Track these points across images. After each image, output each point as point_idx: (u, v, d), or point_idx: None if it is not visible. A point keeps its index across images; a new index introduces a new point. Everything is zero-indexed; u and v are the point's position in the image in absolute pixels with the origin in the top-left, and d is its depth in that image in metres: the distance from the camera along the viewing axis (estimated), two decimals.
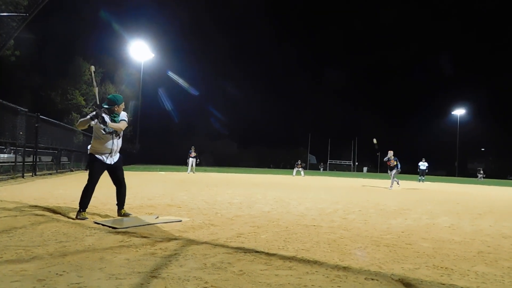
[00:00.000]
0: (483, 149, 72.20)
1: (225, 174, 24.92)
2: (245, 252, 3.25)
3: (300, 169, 27.67)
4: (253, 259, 3.05)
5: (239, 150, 64.22)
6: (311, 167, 67.17)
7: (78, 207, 4.78)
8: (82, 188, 4.82)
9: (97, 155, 4.81)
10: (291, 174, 28.18)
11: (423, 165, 25.91)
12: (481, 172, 42.11)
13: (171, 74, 47.06)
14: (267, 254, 3.24)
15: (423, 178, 25.57)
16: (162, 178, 15.77)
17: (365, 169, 71.47)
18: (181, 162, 39.56)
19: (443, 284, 2.59)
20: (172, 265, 2.77)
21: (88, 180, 4.78)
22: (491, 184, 27.57)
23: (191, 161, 22.68)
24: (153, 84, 43.85)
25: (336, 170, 64.99)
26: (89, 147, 4.95)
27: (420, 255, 3.47)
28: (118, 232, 3.94)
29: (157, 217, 4.97)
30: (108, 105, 4.95)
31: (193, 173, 22.49)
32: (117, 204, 5.06)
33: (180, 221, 4.83)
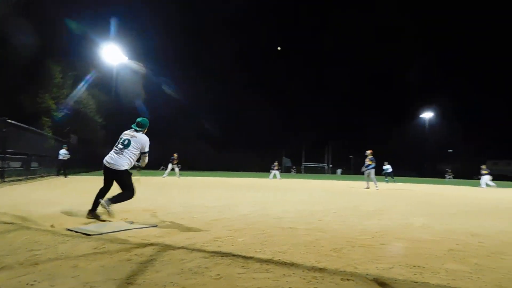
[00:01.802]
0: (450, 151, 74.83)
1: (202, 177, 24.76)
2: (222, 256, 3.24)
3: (276, 171, 27.71)
4: (231, 262, 3.05)
5: (216, 154, 63.79)
6: (286, 170, 67.68)
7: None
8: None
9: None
10: (268, 177, 28.20)
11: (386, 168, 26.98)
12: (449, 172, 43.64)
13: (144, 76, 46.30)
14: (245, 257, 3.24)
15: (388, 179, 26.47)
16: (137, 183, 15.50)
17: (339, 171, 72.57)
18: (157, 166, 39.01)
19: (416, 282, 2.67)
20: (148, 271, 2.74)
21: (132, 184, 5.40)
22: (459, 184, 28.51)
23: (171, 166, 22.52)
24: (128, 87, 43.02)
25: (311, 173, 65.73)
26: (126, 167, 5.30)
27: (394, 255, 3.57)
28: (92, 239, 3.86)
29: (132, 223, 4.90)
30: (139, 128, 5.48)
31: (178, 177, 22.24)
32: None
33: (156, 226, 4.77)
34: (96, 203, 5.24)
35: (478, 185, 23.81)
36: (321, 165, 73.95)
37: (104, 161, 5.27)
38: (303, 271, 2.88)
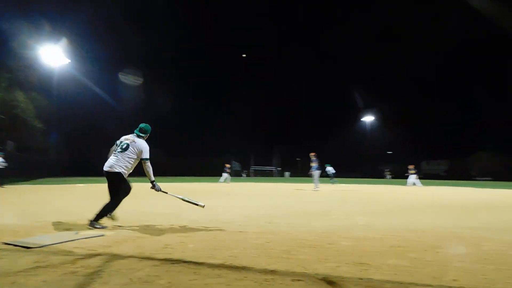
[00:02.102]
0: (390, 152, 79.39)
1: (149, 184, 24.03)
2: (172, 263, 3.19)
3: (227, 175, 27.70)
4: (181, 269, 3.01)
5: (166, 158, 62.14)
6: (235, 174, 67.78)
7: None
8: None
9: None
10: (218, 181, 28.05)
11: (328, 170, 28.13)
12: (388, 172, 46.34)
13: (87, 80, 43.98)
14: (196, 263, 3.22)
15: (332, 181, 27.60)
16: (82, 191, 14.76)
17: (286, 174, 74.00)
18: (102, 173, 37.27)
19: (361, 279, 2.81)
20: (95, 283, 2.63)
21: (121, 195, 5.34)
22: (397, 183, 30.21)
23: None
24: (70, 90, 40.59)
25: (260, 176, 66.40)
26: (121, 170, 5.25)
27: (341, 253, 3.71)
28: (33, 252, 3.62)
29: (77, 233, 4.66)
30: (141, 133, 5.52)
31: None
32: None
33: (103, 235, 4.58)
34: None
35: (408, 184, 25.62)
36: (269, 168, 74.90)
37: (104, 168, 5.26)
38: (254, 274, 2.91)
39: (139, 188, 16.62)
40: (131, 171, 5.43)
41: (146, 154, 5.38)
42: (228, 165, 28.49)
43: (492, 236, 4.90)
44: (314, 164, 17.51)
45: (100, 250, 3.69)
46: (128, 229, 5.07)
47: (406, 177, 26.70)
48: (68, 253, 3.58)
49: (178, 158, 64.12)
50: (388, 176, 45.94)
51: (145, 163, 5.40)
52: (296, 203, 9.82)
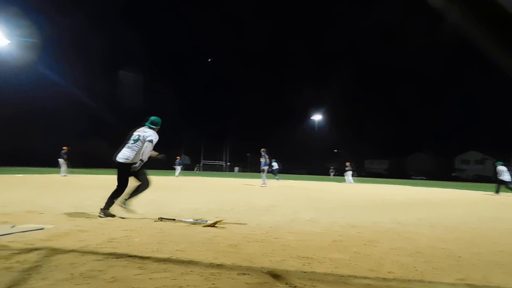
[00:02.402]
0: (335, 150, 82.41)
1: (96, 175, 23.02)
2: (117, 258, 3.12)
3: (179, 167, 27.32)
4: (126, 264, 2.95)
5: (111, 150, 59.49)
6: (185, 168, 66.80)
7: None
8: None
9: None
10: (165, 175, 27.52)
11: (273, 165, 28.77)
12: (332, 169, 48.28)
13: (36, 65, 40.72)
14: (141, 258, 3.17)
15: (278, 177, 28.26)
16: (20, 182, 13.80)
17: (236, 169, 74.27)
18: (45, 163, 35.02)
19: (305, 272, 2.92)
20: (32, 279, 2.51)
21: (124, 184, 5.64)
22: (342, 180, 31.42)
23: (61, 162, 20.57)
24: (10, 74, 37.33)
25: (210, 171, 66.05)
26: (132, 159, 5.59)
27: (286, 248, 3.82)
28: None
29: (14, 226, 4.38)
30: (152, 125, 5.91)
31: (60, 174, 20.30)
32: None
33: (42, 228, 4.34)
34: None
35: (346, 181, 27.24)
36: (219, 163, 74.67)
37: (116, 158, 5.66)
38: (201, 268, 2.93)
39: (83, 180, 15.81)
40: (143, 161, 5.68)
41: (150, 137, 5.68)
42: (179, 158, 28.08)
43: (424, 231, 5.28)
44: (262, 160, 17.75)
45: (38, 245, 3.51)
46: (71, 223, 4.85)
47: (351, 175, 28.00)
48: (3, 247, 3.37)
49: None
50: (332, 174, 47.90)
51: (147, 146, 5.64)
52: (244, 198, 9.91)
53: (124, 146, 5.74)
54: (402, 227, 5.63)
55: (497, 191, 17.50)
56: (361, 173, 74.94)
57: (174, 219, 5.23)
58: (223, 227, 4.94)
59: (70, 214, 5.65)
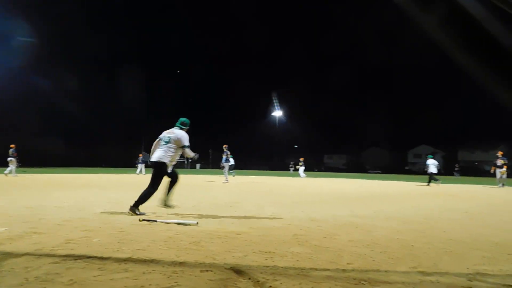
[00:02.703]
0: (296, 146, 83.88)
1: (52, 175, 21.95)
2: (75, 259, 3.01)
3: (142, 165, 26.91)
4: (85, 265, 2.86)
5: (67, 149, 56.53)
6: (146, 165, 65.27)
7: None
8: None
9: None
10: (127, 173, 26.90)
11: (231, 161, 29.03)
12: (291, 165, 49.29)
13: None
14: (101, 258, 3.08)
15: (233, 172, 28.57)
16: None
17: (198, 165, 73.59)
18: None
19: (267, 267, 2.97)
20: None
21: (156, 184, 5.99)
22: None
23: (11, 161, 19.13)
24: None
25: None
26: (166, 160, 6.00)
27: (248, 243, 3.86)
28: None
29: None
30: (182, 126, 6.37)
31: (9, 175, 18.87)
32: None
33: None
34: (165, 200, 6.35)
35: (302, 176, 28.13)
36: (181, 159, 73.74)
37: (151, 159, 6.11)
38: (163, 266, 2.89)
39: (38, 180, 15.08)
40: (174, 162, 6.18)
41: (186, 142, 6.13)
42: (141, 155, 27.59)
43: (381, 223, 5.51)
44: (224, 156, 17.81)
45: None
46: (24, 225, 4.59)
47: (311, 170, 28.75)
48: None
49: (82, 148, 59.31)
50: (292, 169, 48.88)
51: (184, 149, 6.11)
52: (206, 195, 9.86)
53: (157, 147, 6.17)
54: (360, 219, 5.84)
55: (428, 183, 19.06)
56: (321, 168, 76.78)
57: (156, 220, 5.09)
58: (184, 225, 4.89)
59: (24, 216, 5.35)
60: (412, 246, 3.92)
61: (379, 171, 68.41)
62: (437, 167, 19.31)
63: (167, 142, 6.07)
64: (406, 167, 77.58)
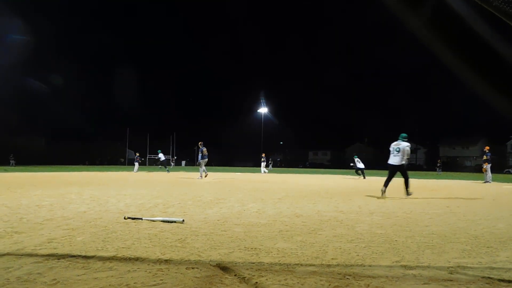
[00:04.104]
0: (281, 143, 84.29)
1: (32, 173, 21.50)
2: (58, 259, 2.96)
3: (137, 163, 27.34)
4: (68, 264, 2.82)
5: (48, 146, 55.40)
6: (130, 163, 64.85)
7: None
8: None
9: None
10: (110, 170, 26.81)
11: (161, 157, 29.19)
12: (271, 161, 50.20)
13: None
14: (85, 257, 3.04)
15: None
16: None
17: (183, 162, 73.25)
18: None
19: (253, 263, 2.98)
20: None
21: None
22: (287, 172, 32.21)
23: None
24: None
25: (156, 165, 64.54)
26: (402, 162, 9.26)
27: (234, 240, 3.86)
28: None
29: None
30: (405, 139, 9.35)
31: None
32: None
33: None
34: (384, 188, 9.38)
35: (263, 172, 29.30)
36: (166, 157, 73.21)
37: (389, 163, 9.48)
38: (148, 264, 2.88)
39: (17, 178, 14.82)
40: (406, 163, 9.27)
41: (408, 149, 9.20)
42: (138, 154, 28.39)
43: (364, 218, 5.59)
44: (200, 153, 18.00)
45: None
46: (4, 224, 4.49)
47: (296, 166, 29.14)
48: None
49: (63, 145, 58.22)
50: (270, 165, 49.93)
51: (409, 154, 9.27)
52: (191, 192, 9.81)
53: (392, 155, 9.37)
54: (344, 215, 5.91)
55: (363, 177, 22.43)
56: (305, 164, 77.27)
57: (141, 218, 5.02)
58: (170, 223, 4.86)
59: (3, 215, 5.23)
60: (395, 240, 3.99)
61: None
62: (361, 162, 22.80)
63: (398, 151, 9.15)
64: None
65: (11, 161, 42.83)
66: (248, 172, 31.47)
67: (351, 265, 2.97)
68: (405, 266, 2.96)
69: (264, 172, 28.65)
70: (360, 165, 22.35)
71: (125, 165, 61.88)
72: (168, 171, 25.62)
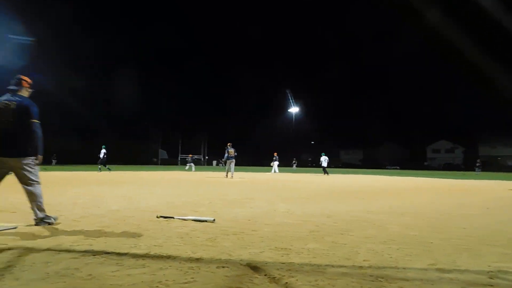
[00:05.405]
0: (312, 142, 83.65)
1: (67, 172, 22.41)
2: (93, 255, 3.07)
3: (192, 163, 28.38)
4: (103, 261, 2.91)
5: (83, 146, 57.32)
6: (162, 163, 66.52)
7: None
8: None
9: None
10: (143, 170, 27.40)
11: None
12: (295, 161, 49.73)
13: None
14: (118, 254, 3.13)
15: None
16: None
17: (214, 162, 74.11)
18: None
19: (283, 263, 2.96)
20: (5, 279, 2.44)
21: None
22: (318, 172, 31.85)
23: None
24: None
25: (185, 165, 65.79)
26: None
27: (264, 240, 3.86)
28: None
29: None
30: None
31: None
32: None
33: (16, 227, 4.21)
34: None
35: (272, 171, 29.45)
36: (198, 156, 74.37)
37: None
38: (179, 262, 2.92)
39: (55, 176, 15.38)
40: None
41: None
42: (191, 155, 29.52)
43: (396, 219, 5.45)
44: (226, 153, 18.28)
45: (11, 244, 3.41)
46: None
47: (329, 166, 28.77)
48: None
49: (99, 145, 60.14)
50: (294, 165, 49.51)
51: None
52: (221, 191, 9.90)
53: None
54: (376, 215, 5.78)
55: (326, 174, 25.08)
56: (338, 164, 76.25)
57: (173, 217, 5.13)
58: (200, 221, 4.92)
59: None
60: (430, 242, 3.86)
61: (397, 167, 67.62)
62: (327, 161, 26.08)
63: None
64: (425, 163, 76.51)
65: (53, 161, 44.87)
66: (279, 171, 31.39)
67: (383, 267, 2.90)
68: (440, 270, 2.86)
69: (275, 171, 28.42)
70: (325, 163, 25.87)
71: (158, 164, 63.29)
72: (99, 169, 23.07)
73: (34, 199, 4.36)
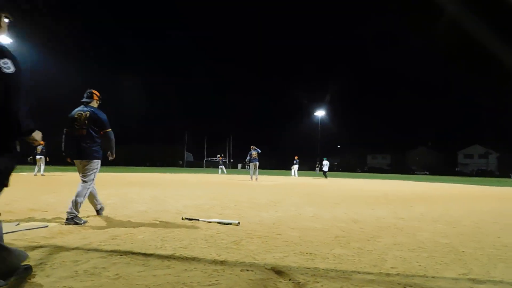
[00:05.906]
0: (339, 146, 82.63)
1: (99, 173, 22.97)
2: (120, 255, 3.13)
3: (223, 165, 29.08)
4: (130, 261, 2.96)
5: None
6: (188, 165, 67.37)
7: None
8: None
9: None
10: (170, 172, 27.94)
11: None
12: (318, 165, 49.06)
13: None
14: (144, 254, 3.18)
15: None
16: (16, 179, 13.84)
17: (239, 165, 74.52)
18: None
19: (308, 268, 2.92)
20: (37, 276, 2.52)
21: None
22: (345, 176, 31.46)
23: (39, 158, 18.58)
24: None
25: (213, 167, 66.33)
26: None
27: (289, 244, 3.83)
28: None
29: (18, 224, 4.40)
30: None
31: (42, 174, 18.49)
32: None
33: (47, 226, 4.37)
34: None
35: (291, 174, 29.50)
36: (223, 159, 75.08)
37: None
38: (204, 264, 2.93)
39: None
40: None
41: None
42: (221, 158, 30.13)
43: (426, 226, 5.28)
44: (248, 156, 18.39)
45: (42, 242, 3.53)
46: None
47: (353, 171, 28.39)
48: (7, 245, 3.38)
49: (126, 148, 61.69)
50: (317, 169, 48.91)
51: None
52: (247, 194, 9.91)
53: None
54: (405, 222, 5.62)
55: (325, 177, 26.61)
56: (364, 168, 75.06)
57: (198, 219, 5.18)
58: (225, 224, 4.93)
59: None
60: (462, 251, 3.72)
61: (426, 172, 65.82)
62: (327, 166, 26.84)
63: None
64: (457, 169, 74.09)
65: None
66: (304, 176, 31.17)
67: (412, 275, 2.81)
68: (473, 280, 2.74)
69: (294, 175, 28.19)
70: (326, 168, 26.70)
71: (183, 167, 64.18)
72: (35, 174, 19.00)
73: (77, 194, 4.71)
